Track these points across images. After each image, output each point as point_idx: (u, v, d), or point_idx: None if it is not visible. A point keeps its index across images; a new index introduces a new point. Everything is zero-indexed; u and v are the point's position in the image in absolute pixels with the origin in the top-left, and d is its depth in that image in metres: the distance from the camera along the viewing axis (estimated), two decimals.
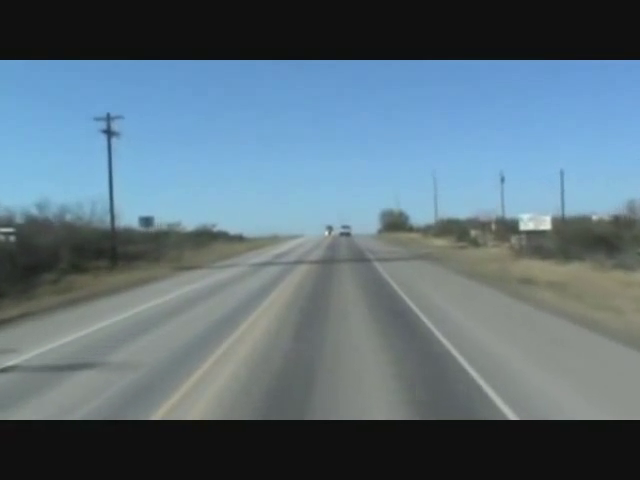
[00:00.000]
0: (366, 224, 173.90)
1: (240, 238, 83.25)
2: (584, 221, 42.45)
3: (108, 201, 34.48)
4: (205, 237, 63.28)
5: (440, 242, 58.50)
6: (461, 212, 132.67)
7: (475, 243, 54.06)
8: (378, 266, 29.09)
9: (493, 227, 52.81)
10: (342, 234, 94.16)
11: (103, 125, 35.48)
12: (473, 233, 59.09)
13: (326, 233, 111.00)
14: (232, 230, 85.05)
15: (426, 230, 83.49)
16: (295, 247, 60.45)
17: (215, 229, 76.49)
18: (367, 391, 7.67)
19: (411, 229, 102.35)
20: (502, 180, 66.61)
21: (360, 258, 36.54)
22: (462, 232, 63.15)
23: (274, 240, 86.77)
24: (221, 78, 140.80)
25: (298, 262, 33.77)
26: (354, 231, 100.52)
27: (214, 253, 47.11)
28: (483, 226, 55.00)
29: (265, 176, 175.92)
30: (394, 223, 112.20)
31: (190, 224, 69.83)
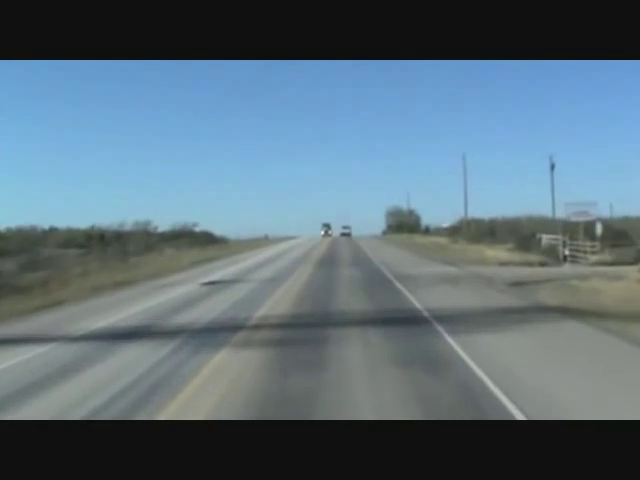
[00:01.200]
0: (367, 224, 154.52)
1: (211, 240, 66.90)
2: None
3: None
4: (181, 239, 52.90)
5: (494, 252, 37.05)
6: (479, 212, 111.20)
7: (552, 255, 33.13)
8: (487, 381, 7.59)
9: (598, 231, 31.52)
10: (343, 234, 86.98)
11: None
12: (545, 239, 38.03)
13: (322, 233, 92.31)
14: (222, 231, 76.39)
15: (452, 232, 61.58)
16: (272, 258, 38.44)
17: (197, 229, 67.84)
18: None
19: (427, 230, 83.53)
20: (552, 167, 44.58)
21: (394, 307, 14.84)
22: (523, 238, 41.78)
23: (256, 244, 64.38)
24: (211, 73, 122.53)
25: (225, 330, 12.23)
26: (355, 232, 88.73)
27: (125, 272, 27.13)
28: (566, 229, 33.77)
29: (261, 173, 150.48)
30: (403, 223, 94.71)
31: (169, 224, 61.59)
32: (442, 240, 56.99)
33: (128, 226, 51.19)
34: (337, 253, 41.86)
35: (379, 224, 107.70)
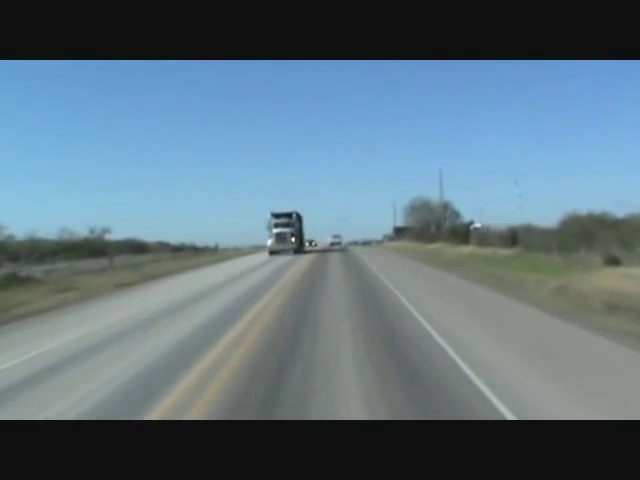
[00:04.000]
0: (367, 225, 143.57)
1: (136, 249, 52.40)
2: None
3: None
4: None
5: None
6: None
7: None
8: None
9: None
10: (333, 244, 72.21)
11: None
12: None
13: (270, 241, 50.77)
14: (179, 238, 59.99)
15: None
16: None
17: (110, 236, 47.36)
18: None
19: (515, 241, 41.01)
20: None
21: None
22: None
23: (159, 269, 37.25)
24: (202, 70, 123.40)
25: None
26: (346, 239, 76.87)
27: None
28: None
29: (241, 169, 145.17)
30: (435, 225, 62.72)
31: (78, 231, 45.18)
32: None
33: None
34: None
35: (384, 225, 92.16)
